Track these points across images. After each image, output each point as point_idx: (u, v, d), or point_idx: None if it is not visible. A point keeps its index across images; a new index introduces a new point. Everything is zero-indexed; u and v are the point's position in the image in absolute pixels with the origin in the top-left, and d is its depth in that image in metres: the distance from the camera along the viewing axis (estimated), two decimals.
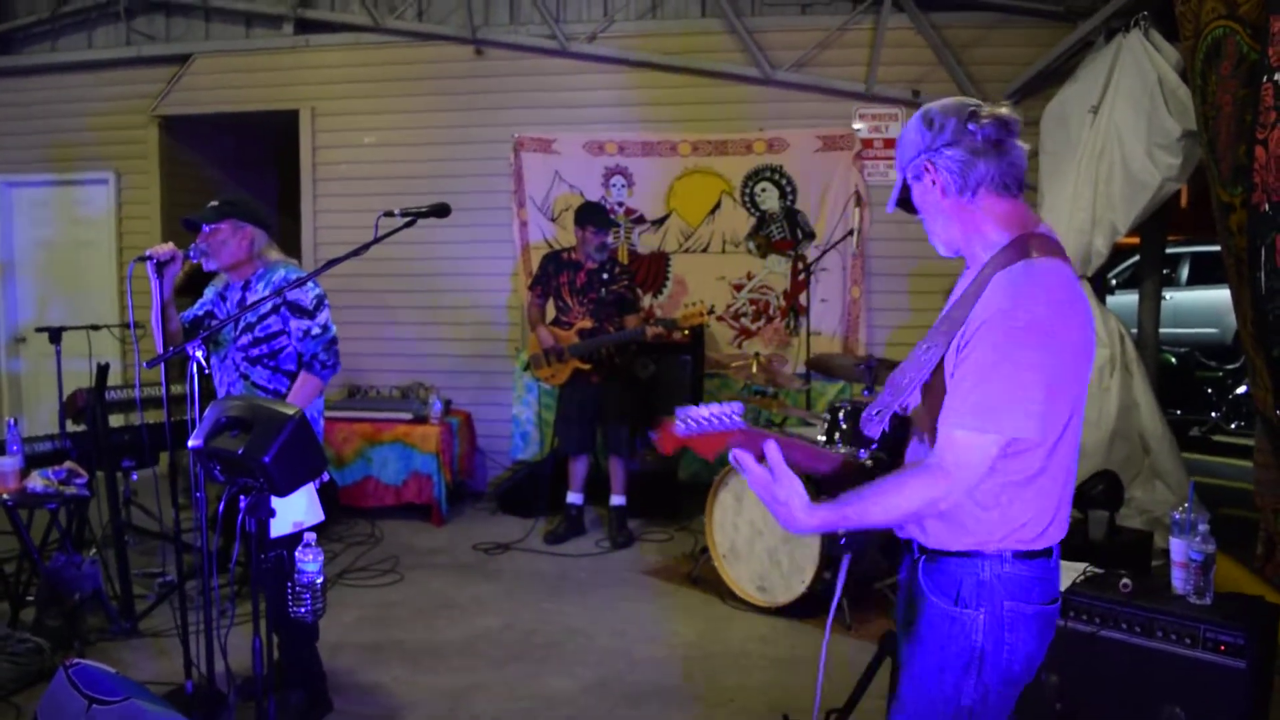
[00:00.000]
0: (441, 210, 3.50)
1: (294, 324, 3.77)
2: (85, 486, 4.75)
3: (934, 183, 2.11)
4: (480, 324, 7.58)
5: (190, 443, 2.98)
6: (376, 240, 3.40)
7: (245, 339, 3.81)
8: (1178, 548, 3.39)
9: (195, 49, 7.88)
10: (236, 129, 8.30)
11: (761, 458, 1.99)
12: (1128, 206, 6.05)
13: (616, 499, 6.35)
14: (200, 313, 3.95)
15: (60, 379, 5.45)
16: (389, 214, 3.42)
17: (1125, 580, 3.38)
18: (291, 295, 3.72)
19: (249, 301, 3.79)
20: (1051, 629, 2.13)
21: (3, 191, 8.43)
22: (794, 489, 1.96)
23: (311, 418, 3.80)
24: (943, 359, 2.05)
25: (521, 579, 5.65)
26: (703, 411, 1.94)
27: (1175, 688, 3.14)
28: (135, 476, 5.41)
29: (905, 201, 2.25)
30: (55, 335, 5.35)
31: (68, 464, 4.78)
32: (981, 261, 2.10)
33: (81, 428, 5.19)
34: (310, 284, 3.71)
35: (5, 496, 4.54)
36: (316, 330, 3.77)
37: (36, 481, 4.62)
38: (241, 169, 8.78)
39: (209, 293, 4.01)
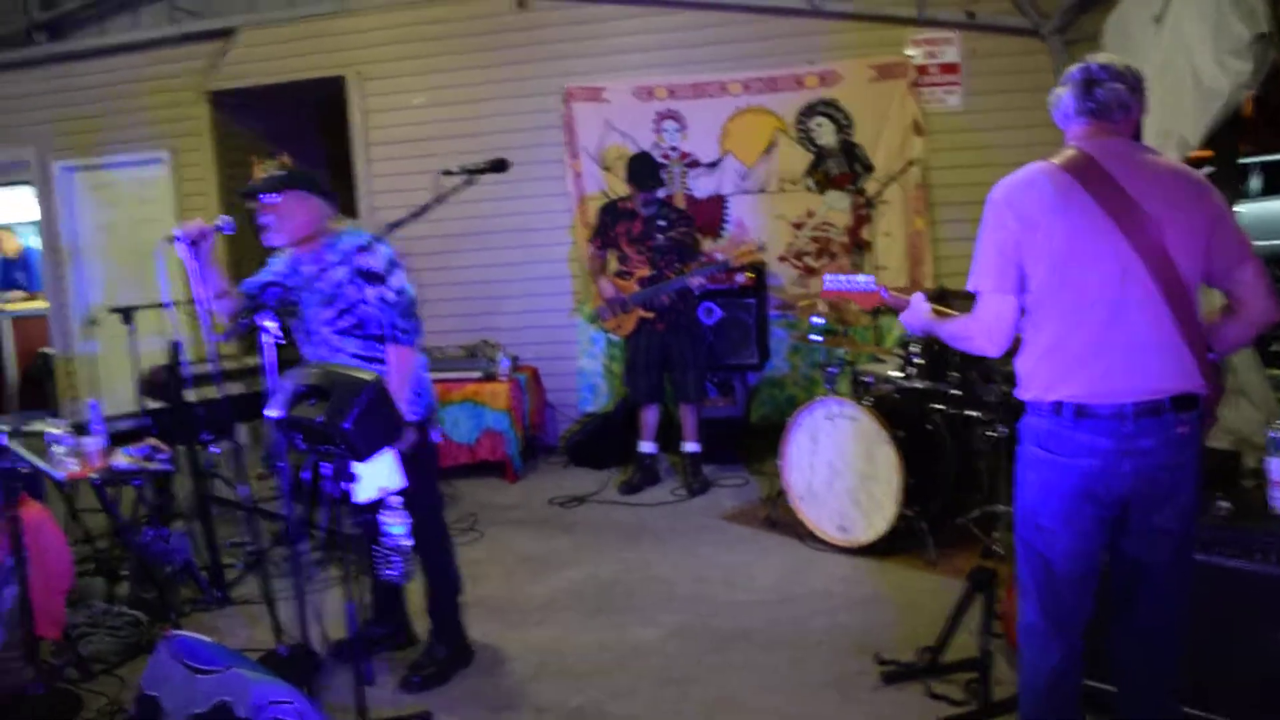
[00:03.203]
0: (500, 165, 3.46)
1: (369, 291, 3.62)
2: (168, 461, 4.83)
3: (1054, 119, 2.69)
4: (541, 278, 7.57)
5: (271, 412, 3.00)
6: (438, 200, 3.38)
7: (330, 313, 3.70)
8: (1275, 466, 3.28)
9: (239, 21, 7.90)
10: (285, 99, 8.31)
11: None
12: (1198, 117, 5.83)
13: (690, 446, 6.34)
14: (265, 280, 3.85)
15: (136, 358, 5.52)
16: (447, 173, 3.40)
17: (1221, 502, 3.27)
18: (361, 263, 3.59)
19: (326, 275, 3.70)
20: (1070, 478, 2.51)
21: (65, 177, 8.55)
22: (922, 306, 2.90)
23: (419, 374, 3.82)
24: None
25: (599, 531, 5.68)
26: (855, 277, 3.13)
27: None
28: (216, 449, 5.49)
29: None
30: (127, 315, 5.42)
31: (150, 440, 4.86)
32: None
33: (159, 404, 5.26)
34: (380, 247, 3.59)
35: (92, 475, 4.62)
36: (392, 295, 3.61)
37: (121, 459, 4.70)
38: (293, 139, 8.81)
39: (275, 263, 3.92)
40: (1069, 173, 2.49)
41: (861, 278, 2.91)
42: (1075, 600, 2.61)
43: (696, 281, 5.96)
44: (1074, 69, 2.59)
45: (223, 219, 3.64)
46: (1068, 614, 2.61)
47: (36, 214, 8.85)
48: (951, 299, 4.95)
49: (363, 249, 3.56)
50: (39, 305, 9.46)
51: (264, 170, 7.54)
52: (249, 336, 3.59)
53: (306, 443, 2.99)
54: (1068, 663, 2.62)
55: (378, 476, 3.25)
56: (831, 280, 2.97)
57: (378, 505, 3.17)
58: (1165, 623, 2.65)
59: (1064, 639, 2.61)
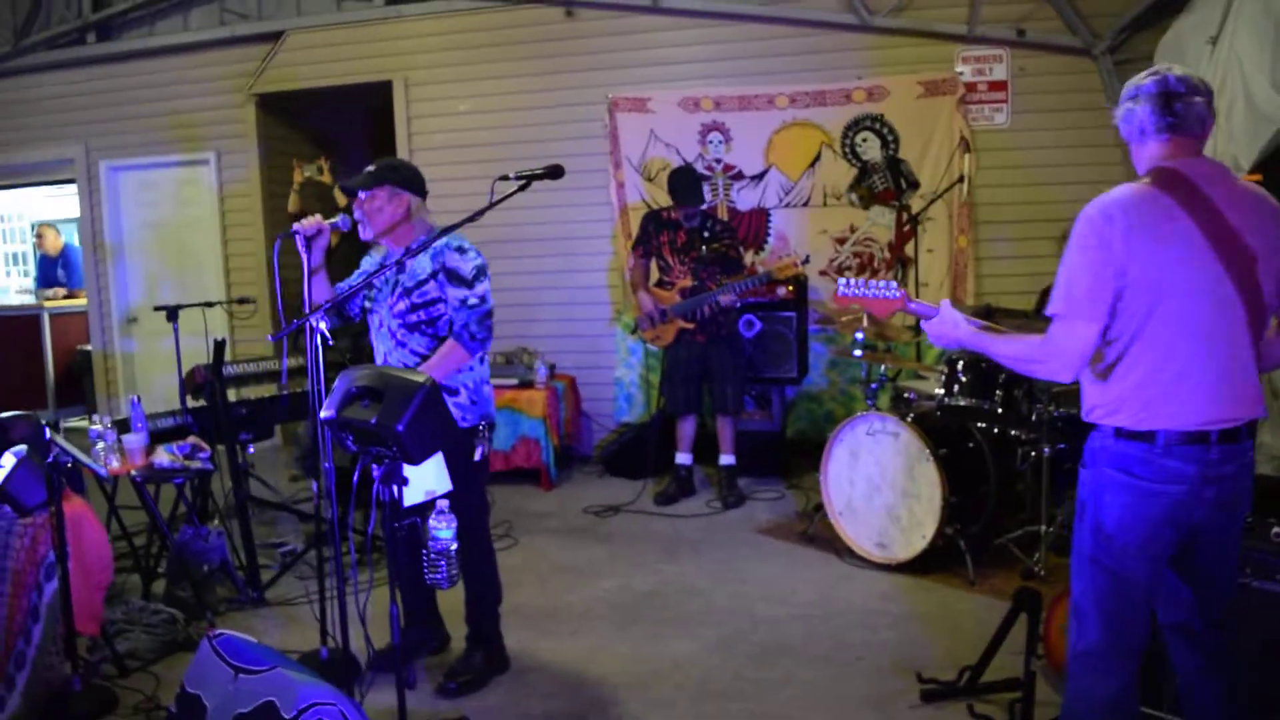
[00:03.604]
0: (556, 172, 3.45)
1: (451, 292, 3.66)
2: (208, 460, 4.84)
3: (1121, 131, 2.57)
4: (580, 287, 7.57)
5: (322, 413, 3.00)
6: (493, 204, 3.37)
7: (404, 305, 3.73)
8: None
9: (288, 25, 7.95)
10: (332, 103, 8.36)
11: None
12: (1251, 141, 5.77)
13: (726, 458, 6.31)
14: (356, 281, 3.87)
15: (179, 356, 5.55)
16: (504, 178, 3.39)
17: (1278, 529, 3.22)
18: (451, 263, 3.64)
19: (409, 268, 3.72)
20: (1158, 505, 2.46)
21: (110, 176, 8.63)
22: (954, 317, 2.67)
23: (478, 383, 3.83)
24: None
25: (635, 541, 5.65)
26: (873, 281, 2.76)
27: None
28: (252, 449, 5.51)
29: None
30: (173, 313, 5.45)
31: (191, 438, 4.88)
32: None
33: (201, 403, 5.28)
34: (472, 254, 3.65)
35: (134, 472, 4.64)
36: (474, 300, 3.66)
37: (162, 457, 4.72)
38: (339, 142, 8.87)
39: (366, 262, 3.98)
40: (1170, 195, 2.41)
41: (881, 283, 2.73)
42: (1143, 625, 2.57)
43: (727, 299, 5.96)
44: (1146, 81, 2.50)
45: (341, 217, 3.71)
46: (1135, 639, 2.57)
47: (77, 211, 8.94)
48: (1000, 318, 4.92)
49: (456, 250, 3.60)
50: (79, 303, 9.56)
51: (303, 174, 7.60)
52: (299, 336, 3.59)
53: (357, 444, 2.98)
54: (1128, 690, 2.57)
55: (425, 480, 3.25)
56: (847, 285, 2.76)
57: (425, 509, 3.17)
58: (1228, 643, 2.63)
59: (1127, 664, 2.57)
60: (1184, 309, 2.39)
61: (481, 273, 3.70)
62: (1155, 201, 2.40)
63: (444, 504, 3.11)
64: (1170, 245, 2.37)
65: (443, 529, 3.05)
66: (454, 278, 3.66)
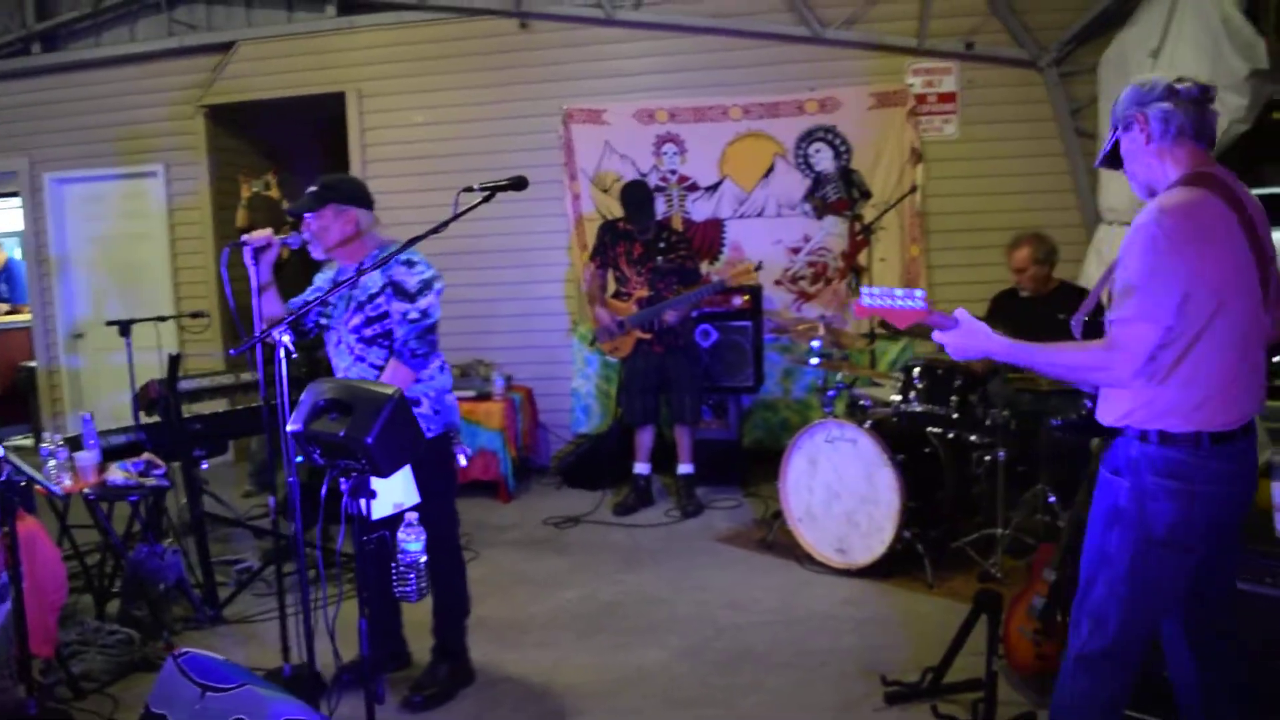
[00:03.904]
0: (519, 183, 3.44)
1: (395, 305, 3.67)
2: (164, 477, 4.78)
3: (1142, 130, 2.55)
4: (537, 298, 7.57)
5: (289, 426, 2.98)
6: (457, 216, 3.36)
7: (358, 319, 3.73)
8: (1276, 490, 3.32)
9: (238, 36, 7.88)
10: (284, 114, 8.29)
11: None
12: None
13: (684, 468, 6.34)
14: (309, 297, 3.88)
15: (132, 371, 5.48)
16: (468, 189, 3.39)
17: None
18: (397, 276, 3.65)
19: (361, 284, 3.72)
20: (1212, 508, 2.48)
21: (54, 189, 8.48)
22: (979, 327, 2.56)
23: (440, 392, 3.85)
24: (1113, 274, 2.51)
25: (595, 551, 5.65)
26: (894, 290, 2.58)
27: None
28: (205, 465, 5.43)
29: (1111, 159, 2.70)
30: (125, 328, 5.38)
31: (146, 455, 4.81)
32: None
33: (154, 418, 5.21)
34: (421, 267, 3.65)
35: (86, 490, 4.57)
36: (415, 315, 3.66)
37: (116, 474, 4.65)
38: (290, 154, 8.78)
39: (319, 279, 3.98)
40: (1222, 200, 2.44)
41: (904, 291, 2.59)
42: (1152, 631, 2.63)
43: (677, 315, 6.01)
44: (1182, 85, 2.52)
45: (293, 234, 3.72)
46: (1144, 645, 2.61)
47: (20, 225, 8.77)
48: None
49: (405, 264, 3.60)
50: (22, 318, 9.38)
51: (250, 189, 7.52)
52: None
53: (325, 458, 2.96)
54: (1125, 693, 2.62)
55: (393, 493, 3.24)
56: (870, 294, 2.61)
57: (393, 522, 3.15)
58: (1228, 644, 2.71)
59: (1130, 670, 2.61)
60: (1239, 311, 2.43)
61: (427, 287, 3.69)
62: (1213, 206, 2.42)
63: (413, 517, 3.11)
64: (1229, 249, 2.42)
65: (411, 542, 3.04)
66: (399, 291, 3.67)
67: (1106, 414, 2.61)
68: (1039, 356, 2.54)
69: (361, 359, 3.77)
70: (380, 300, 3.71)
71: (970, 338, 2.56)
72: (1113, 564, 2.56)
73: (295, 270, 5.73)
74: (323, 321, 3.89)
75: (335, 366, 3.92)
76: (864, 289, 2.66)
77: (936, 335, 2.63)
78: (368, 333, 3.74)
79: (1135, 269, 2.40)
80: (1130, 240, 2.42)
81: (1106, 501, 2.59)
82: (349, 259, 3.80)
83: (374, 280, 3.70)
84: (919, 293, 2.56)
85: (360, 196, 3.80)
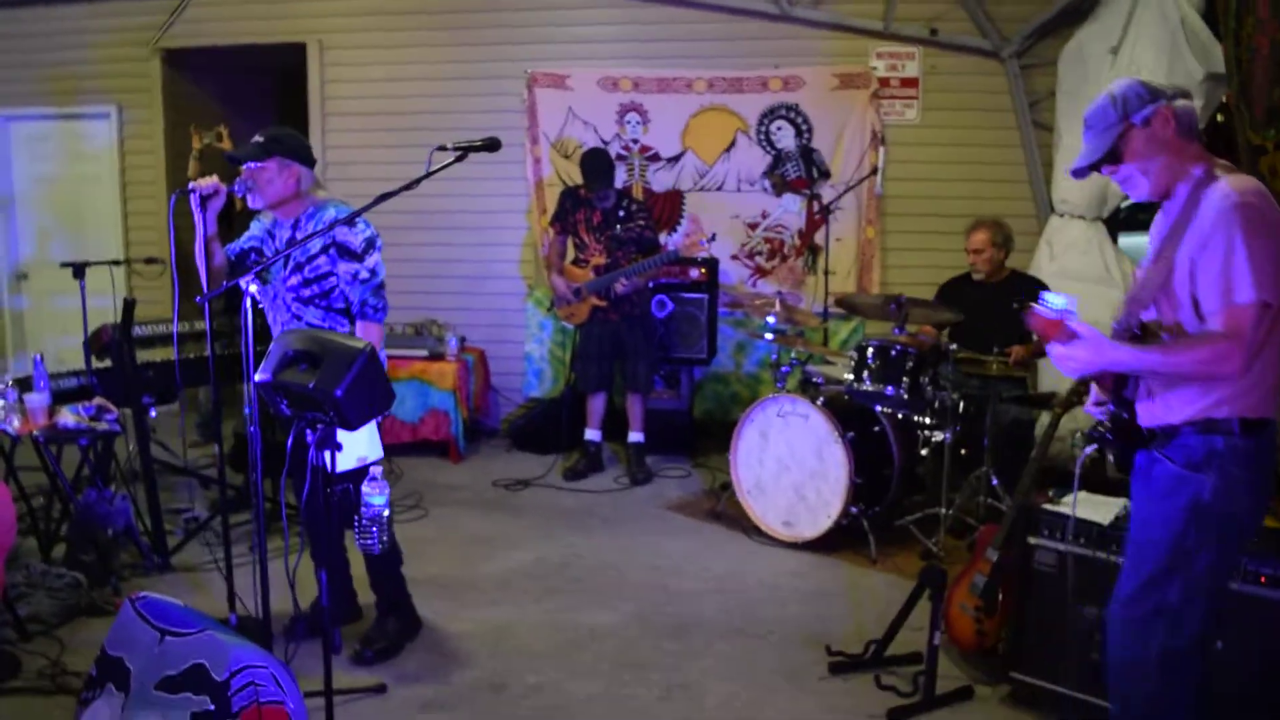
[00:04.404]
0: (493, 144, 3.45)
1: (342, 266, 3.69)
2: (115, 422, 4.74)
3: (1166, 125, 2.51)
4: (492, 260, 7.56)
5: (257, 376, 2.98)
6: (430, 174, 3.37)
7: (296, 280, 3.75)
8: None
9: None
10: (241, 62, 8.15)
11: None
12: None
13: (635, 436, 6.40)
14: (247, 246, 3.88)
15: (85, 315, 5.40)
16: (442, 148, 3.39)
17: None
18: (340, 237, 3.65)
19: (294, 237, 3.75)
20: (1266, 498, 2.55)
21: (1, 126, 8.27)
22: (1103, 339, 2.47)
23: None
24: (1174, 269, 2.48)
25: (546, 515, 5.70)
26: (1057, 302, 2.52)
27: None
28: (154, 413, 5.38)
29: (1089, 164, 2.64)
30: (79, 270, 5.30)
31: (98, 399, 4.76)
32: (1183, 194, 2.52)
33: (106, 363, 5.15)
34: (361, 225, 3.65)
35: (36, 432, 4.51)
36: (365, 274, 3.69)
37: (67, 418, 4.60)
38: (246, 103, 8.64)
39: (255, 227, 3.95)
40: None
41: (1059, 300, 2.51)
42: None
43: (630, 285, 6.05)
44: (1182, 86, 2.60)
45: (239, 182, 3.69)
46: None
47: None
48: (910, 307, 5.10)
49: (345, 224, 3.58)
50: None
51: (202, 140, 7.40)
52: (221, 299, 3.58)
53: (292, 409, 2.97)
54: (1204, 679, 2.67)
55: (358, 446, 3.26)
56: (1042, 310, 2.51)
57: (357, 475, 3.18)
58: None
59: (1203, 653, 2.66)
60: None
61: (371, 245, 3.72)
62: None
63: (377, 470, 3.13)
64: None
65: (376, 495, 3.07)
66: (344, 252, 3.69)
67: (1174, 411, 2.53)
68: (1161, 359, 2.47)
69: (298, 317, 3.80)
70: (321, 261, 3.72)
71: (1098, 351, 2.46)
72: (1194, 562, 2.53)
73: (249, 218, 5.68)
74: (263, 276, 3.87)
75: (272, 320, 3.94)
76: (1037, 306, 2.54)
77: (1055, 349, 2.51)
78: (305, 293, 3.76)
79: (1235, 252, 2.35)
80: (1213, 226, 2.38)
81: (1180, 498, 2.53)
82: (286, 215, 3.82)
83: (315, 242, 3.69)
84: (1070, 304, 2.52)
85: (304, 154, 3.79)
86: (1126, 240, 8.12)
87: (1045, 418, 5.50)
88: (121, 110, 8.02)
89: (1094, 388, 2.78)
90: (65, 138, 8.26)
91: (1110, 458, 2.79)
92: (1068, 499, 3.63)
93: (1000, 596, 3.70)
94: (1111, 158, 2.57)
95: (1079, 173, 2.67)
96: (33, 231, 8.44)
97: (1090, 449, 2.84)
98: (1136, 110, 2.53)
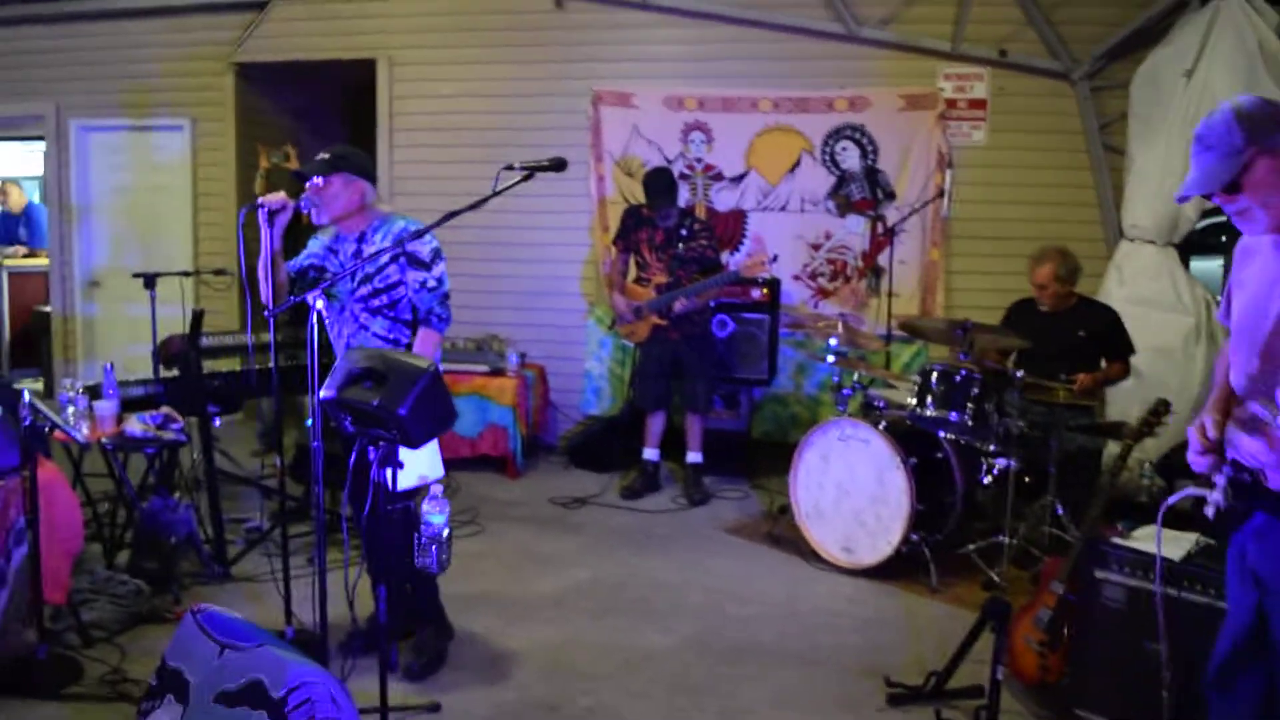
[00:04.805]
0: (559, 164, 3.48)
1: (411, 275, 3.77)
2: (181, 431, 4.81)
3: None
4: (554, 277, 7.58)
5: (322, 393, 3.00)
6: (497, 193, 3.39)
7: (364, 290, 3.81)
8: None
9: None
10: (312, 77, 8.28)
11: None
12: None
13: (693, 456, 6.37)
14: (306, 264, 3.94)
15: (155, 324, 5.50)
16: (509, 167, 3.41)
17: None
18: (410, 246, 3.71)
19: (365, 254, 3.79)
20: None
21: (80, 136, 8.48)
22: None
23: None
24: None
25: (603, 533, 5.69)
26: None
27: None
28: (219, 423, 5.46)
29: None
30: (150, 281, 5.40)
31: (165, 409, 4.84)
32: None
33: (174, 373, 5.23)
34: (428, 236, 3.70)
35: (104, 440, 4.59)
36: (432, 283, 3.78)
37: (135, 426, 4.68)
38: (316, 117, 8.78)
39: (314, 244, 4.00)
40: None
41: None
42: None
43: (689, 304, 6.00)
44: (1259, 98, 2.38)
45: (305, 198, 3.74)
46: None
47: (42, 169, 8.77)
48: (977, 332, 5.02)
49: (414, 235, 3.63)
50: (39, 262, 9.38)
51: (269, 160, 7.53)
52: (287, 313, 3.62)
53: (355, 426, 2.99)
54: None
55: (420, 464, 3.27)
56: None
57: (418, 493, 3.19)
58: None
59: None
60: None
61: (438, 255, 3.83)
62: None
63: (437, 489, 3.14)
64: None
65: (435, 514, 3.07)
66: (413, 260, 3.78)
67: None
68: None
69: (365, 327, 3.86)
70: (390, 270, 3.79)
71: None
72: None
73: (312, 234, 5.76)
74: (330, 292, 3.91)
75: (336, 334, 3.98)
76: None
77: None
78: (375, 303, 3.83)
79: None
80: None
81: None
82: (349, 229, 3.88)
83: (384, 252, 3.74)
84: None
85: (368, 171, 3.88)
86: (1199, 264, 7.99)
87: (1112, 447, 5.40)
88: (195, 123, 8.19)
89: (1194, 436, 2.57)
90: (140, 149, 8.45)
91: (1209, 512, 2.60)
92: (1137, 533, 3.55)
93: (1065, 631, 3.61)
94: (1231, 187, 2.35)
95: (1185, 198, 2.48)
96: (106, 240, 8.63)
97: (1175, 499, 2.73)
98: (1269, 135, 2.29)
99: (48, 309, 8.89)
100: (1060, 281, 5.33)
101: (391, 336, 3.85)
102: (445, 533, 3.08)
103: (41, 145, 8.73)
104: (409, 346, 3.82)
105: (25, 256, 9.77)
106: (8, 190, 10.13)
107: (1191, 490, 2.66)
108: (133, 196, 8.53)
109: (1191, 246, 6.71)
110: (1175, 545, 3.42)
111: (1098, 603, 3.44)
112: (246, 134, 8.10)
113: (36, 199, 10.20)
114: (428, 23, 7.64)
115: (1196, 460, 2.56)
